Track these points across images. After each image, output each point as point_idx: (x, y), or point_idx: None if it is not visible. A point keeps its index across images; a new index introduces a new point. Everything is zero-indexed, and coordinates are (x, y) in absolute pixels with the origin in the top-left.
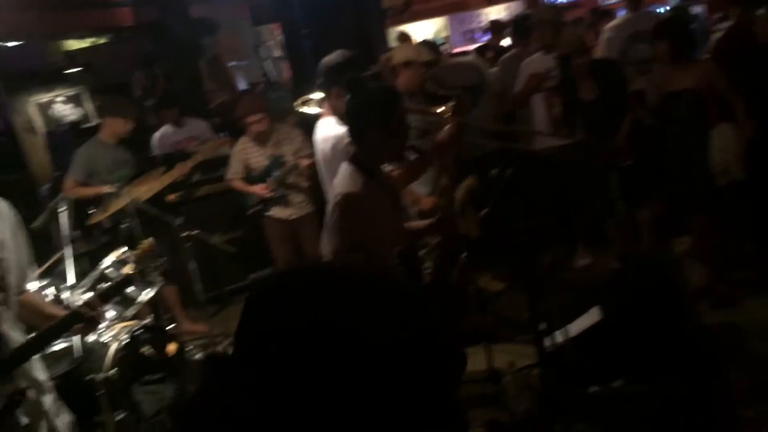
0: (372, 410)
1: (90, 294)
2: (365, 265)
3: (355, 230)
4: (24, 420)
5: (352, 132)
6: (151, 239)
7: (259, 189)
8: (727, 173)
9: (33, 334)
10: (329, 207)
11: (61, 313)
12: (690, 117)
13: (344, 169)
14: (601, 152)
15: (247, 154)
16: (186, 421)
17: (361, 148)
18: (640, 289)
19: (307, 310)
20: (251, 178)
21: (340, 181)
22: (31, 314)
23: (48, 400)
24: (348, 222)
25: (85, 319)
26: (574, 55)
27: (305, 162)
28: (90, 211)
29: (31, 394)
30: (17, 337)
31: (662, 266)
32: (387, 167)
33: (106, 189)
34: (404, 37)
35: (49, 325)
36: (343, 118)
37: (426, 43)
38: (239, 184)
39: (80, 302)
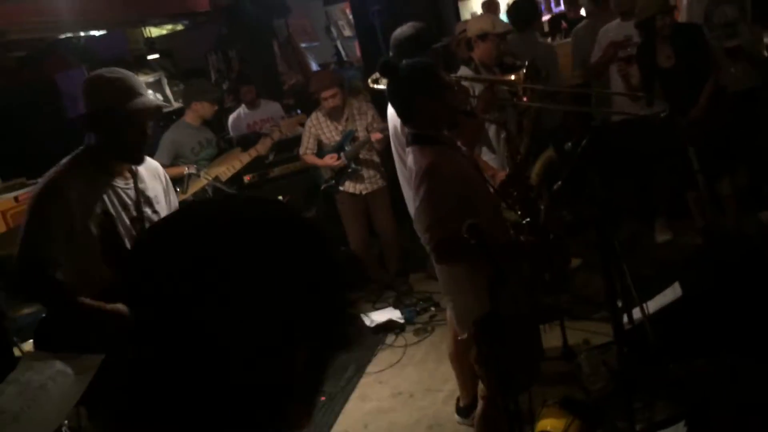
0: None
1: None
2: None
3: (445, 199)
4: None
5: (402, 112)
6: None
7: (329, 159)
8: None
9: None
10: (414, 184)
11: None
12: None
13: (412, 149)
14: (679, 124)
15: (319, 129)
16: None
17: (416, 123)
18: (724, 264)
19: (190, 250)
20: (323, 153)
21: (416, 158)
22: None
23: None
24: (436, 193)
25: None
26: (656, 17)
27: (377, 136)
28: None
29: None
30: None
31: (747, 241)
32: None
33: (186, 169)
34: (491, 6)
35: None
36: None
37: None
38: (311, 158)
39: None
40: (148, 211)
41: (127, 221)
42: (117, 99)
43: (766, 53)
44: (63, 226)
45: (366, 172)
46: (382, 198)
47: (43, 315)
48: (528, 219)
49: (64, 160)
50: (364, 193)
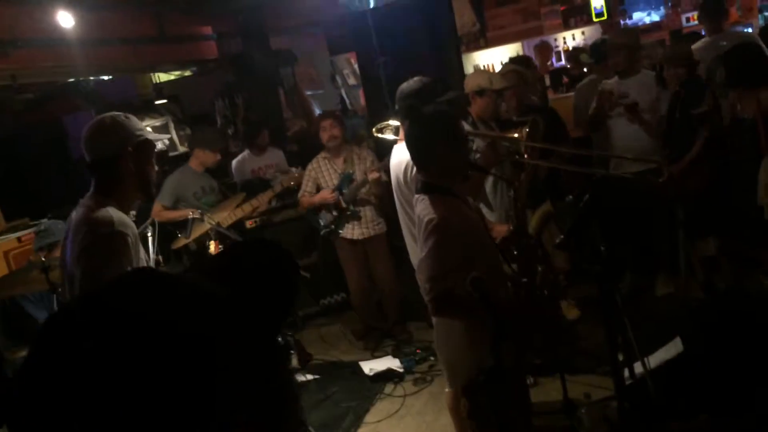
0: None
1: None
2: (462, 286)
3: (452, 253)
4: None
5: (419, 157)
6: None
7: (325, 194)
8: None
9: None
10: (422, 234)
11: None
12: (748, 146)
13: (422, 198)
14: (669, 180)
15: (318, 172)
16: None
17: (431, 171)
18: (725, 320)
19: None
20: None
21: (426, 208)
22: None
23: None
24: (444, 247)
25: None
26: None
27: (374, 174)
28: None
29: None
30: None
31: (747, 298)
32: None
33: (190, 213)
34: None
35: None
36: None
37: (521, 60)
38: (307, 199)
39: None
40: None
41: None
42: (125, 140)
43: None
44: (128, 262)
45: (365, 215)
46: (381, 245)
47: None
48: (525, 279)
49: (91, 202)
50: (362, 238)
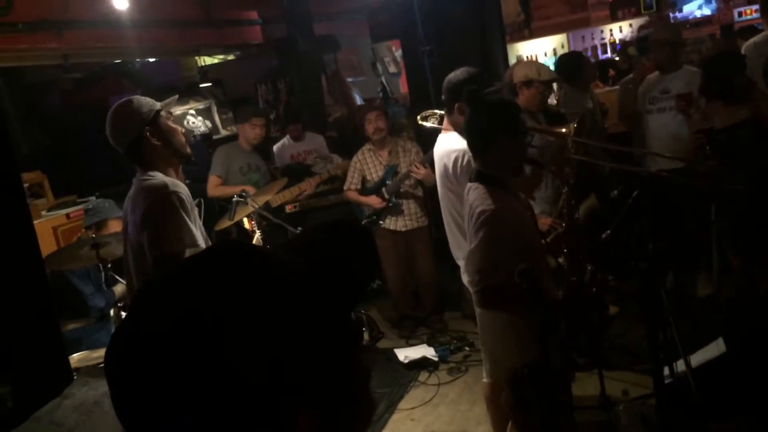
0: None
1: None
2: (510, 279)
3: (502, 247)
4: None
5: (476, 146)
6: None
7: (373, 200)
8: None
9: None
10: (473, 225)
11: None
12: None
13: (476, 187)
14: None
15: (364, 164)
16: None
17: (488, 161)
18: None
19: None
20: (367, 190)
21: (479, 198)
22: None
23: None
24: (495, 239)
25: None
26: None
27: (420, 171)
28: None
29: None
30: None
31: None
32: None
33: (235, 196)
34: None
35: None
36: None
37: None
38: (354, 195)
39: None
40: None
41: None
42: (139, 124)
43: None
44: (188, 220)
45: (407, 208)
46: (422, 237)
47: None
48: (573, 278)
49: (142, 176)
50: (404, 230)
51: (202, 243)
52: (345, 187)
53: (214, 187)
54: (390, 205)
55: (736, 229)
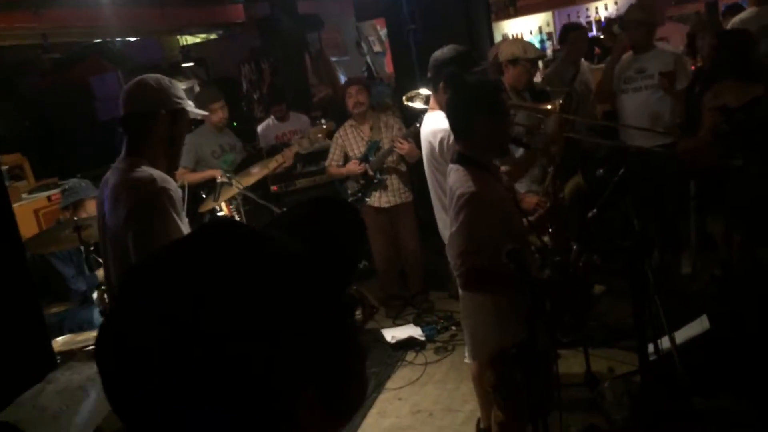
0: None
1: None
2: (493, 262)
3: (483, 229)
4: None
5: (457, 127)
6: None
7: (352, 166)
8: None
9: None
10: (453, 207)
11: None
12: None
13: (456, 168)
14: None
15: (346, 140)
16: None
17: (468, 143)
18: (751, 298)
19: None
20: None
21: (459, 180)
22: None
23: None
24: (475, 222)
25: None
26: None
27: (401, 143)
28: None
29: None
30: None
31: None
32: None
33: (218, 176)
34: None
35: None
36: None
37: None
38: (335, 169)
39: None
40: None
41: None
42: (161, 102)
43: None
44: (177, 218)
45: (391, 183)
46: (407, 214)
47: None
48: (558, 258)
49: (125, 164)
50: (388, 206)
51: None
52: (326, 164)
53: (181, 176)
54: (375, 181)
55: (739, 208)
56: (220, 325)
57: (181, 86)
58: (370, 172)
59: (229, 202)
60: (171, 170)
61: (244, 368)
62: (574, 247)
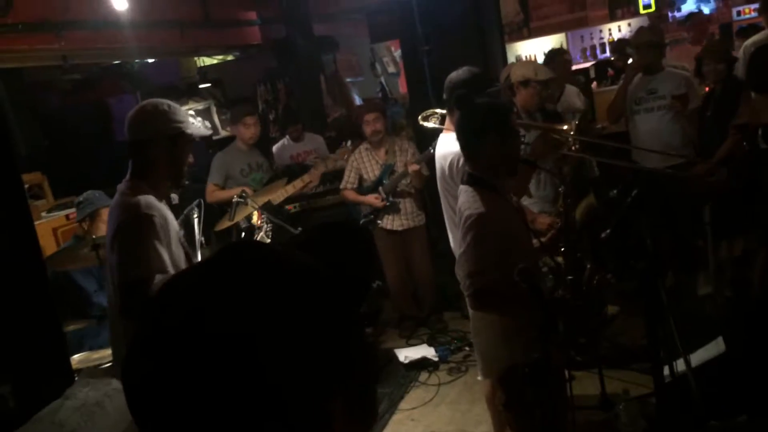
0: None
1: None
2: (502, 282)
3: (491, 250)
4: None
5: (467, 148)
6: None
7: (371, 199)
8: None
9: None
10: (462, 228)
11: None
12: None
13: (466, 189)
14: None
15: (361, 163)
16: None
17: (478, 164)
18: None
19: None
20: (363, 189)
21: (467, 202)
22: None
23: None
24: (483, 244)
25: None
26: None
27: (414, 167)
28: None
29: None
30: None
31: None
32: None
33: (235, 197)
34: None
35: None
36: None
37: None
38: (352, 195)
39: None
40: (181, 233)
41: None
42: (160, 128)
43: None
44: (159, 245)
45: (404, 207)
46: (420, 237)
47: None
48: (571, 277)
49: (127, 186)
50: (401, 229)
51: (170, 269)
52: (342, 186)
53: (211, 193)
54: (387, 204)
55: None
56: (253, 354)
57: (198, 106)
58: (383, 195)
59: (261, 212)
60: (174, 188)
61: (274, 392)
62: (588, 266)
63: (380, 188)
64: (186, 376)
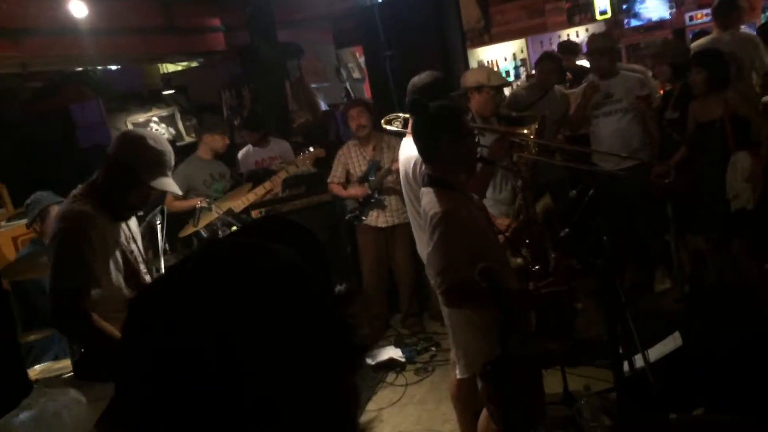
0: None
1: None
2: (471, 276)
3: (459, 246)
4: None
5: (424, 150)
6: None
7: (357, 191)
8: (738, 200)
9: None
10: (428, 228)
11: None
12: (717, 146)
13: (428, 191)
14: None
15: (348, 158)
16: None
17: (436, 164)
18: (722, 315)
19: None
20: (350, 185)
21: (431, 202)
22: None
23: None
24: (450, 239)
25: None
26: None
27: (397, 165)
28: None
29: None
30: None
31: (744, 292)
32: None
33: (198, 202)
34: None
35: None
36: None
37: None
38: (338, 189)
39: None
40: (133, 246)
41: (124, 253)
42: (145, 167)
43: None
44: (89, 256)
45: (390, 203)
46: (404, 234)
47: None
48: (537, 266)
49: (78, 192)
50: (385, 226)
51: (102, 281)
52: (329, 180)
53: (169, 203)
54: (373, 200)
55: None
56: (236, 355)
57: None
58: (369, 191)
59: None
60: (113, 219)
61: (261, 383)
62: (552, 255)
63: (366, 185)
64: (167, 384)
